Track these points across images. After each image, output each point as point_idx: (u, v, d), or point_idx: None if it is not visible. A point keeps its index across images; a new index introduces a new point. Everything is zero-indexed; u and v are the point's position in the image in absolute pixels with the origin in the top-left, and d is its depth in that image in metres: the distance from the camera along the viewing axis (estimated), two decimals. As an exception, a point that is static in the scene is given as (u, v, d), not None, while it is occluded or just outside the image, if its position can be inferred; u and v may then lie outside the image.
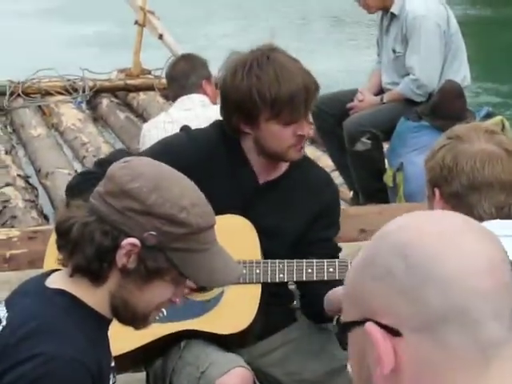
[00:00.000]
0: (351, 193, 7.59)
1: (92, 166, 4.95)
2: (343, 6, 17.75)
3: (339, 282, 3.87)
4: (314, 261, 4.05)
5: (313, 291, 4.15)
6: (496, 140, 3.24)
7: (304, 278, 4.07)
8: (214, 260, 2.93)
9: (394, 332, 1.74)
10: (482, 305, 1.61)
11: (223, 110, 4.22)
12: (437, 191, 3.24)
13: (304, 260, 4.06)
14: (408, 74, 7.45)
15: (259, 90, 3.97)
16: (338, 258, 4.22)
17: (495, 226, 2.96)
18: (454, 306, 1.61)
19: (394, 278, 1.61)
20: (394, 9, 7.38)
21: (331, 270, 4.02)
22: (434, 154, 3.29)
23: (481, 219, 3.07)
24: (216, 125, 4.36)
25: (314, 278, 4.05)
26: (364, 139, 7.32)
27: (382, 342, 1.72)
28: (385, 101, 7.54)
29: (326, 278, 4.01)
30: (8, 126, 10.53)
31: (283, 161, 4.19)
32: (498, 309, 1.64)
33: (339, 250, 4.32)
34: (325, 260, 4.06)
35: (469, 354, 1.64)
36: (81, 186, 3.98)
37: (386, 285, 1.63)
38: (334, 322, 4.08)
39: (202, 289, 3.86)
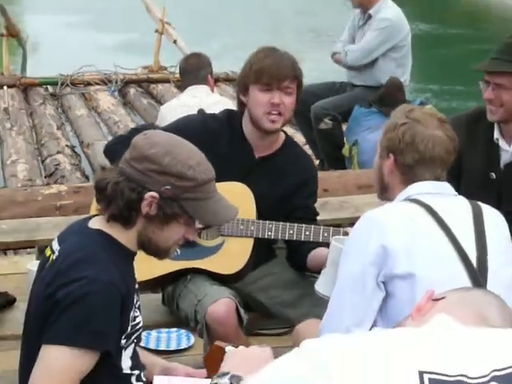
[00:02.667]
0: (318, 161, 7.46)
1: (125, 133, 4.84)
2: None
3: (315, 244, 3.97)
4: (295, 225, 4.01)
5: (296, 249, 4.14)
6: (444, 128, 3.21)
7: (286, 238, 4.05)
8: (216, 205, 2.96)
9: None
10: None
11: (237, 91, 4.32)
12: (392, 156, 3.20)
13: (288, 223, 4.03)
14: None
15: (251, 64, 4.05)
16: (316, 220, 4.21)
17: (425, 186, 3.13)
18: None
19: None
20: (373, 11, 7.32)
21: (307, 233, 4.00)
22: (395, 127, 3.22)
23: (417, 181, 3.15)
24: (224, 112, 4.36)
25: (294, 238, 4.02)
26: (327, 120, 7.40)
27: None
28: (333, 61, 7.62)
29: (302, 239, 4.00)
30: (59, 108, 10.51)
31: (261, 129, 4.10)
32: None
33: (317, 214, 4.30)
34: (303, 225, 4.02)
35: None
36: (115, 149, 3.99)
37: None
38: None
39: (207, 227, 3.83)
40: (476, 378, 1.70)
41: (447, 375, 1.70)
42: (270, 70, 4.04)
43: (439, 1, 30.88)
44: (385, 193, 3.29)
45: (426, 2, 28.36)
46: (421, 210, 3.03)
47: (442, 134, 3.18)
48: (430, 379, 1.69)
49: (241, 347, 2.45)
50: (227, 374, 2.18)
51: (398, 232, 2.98)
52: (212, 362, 2.79)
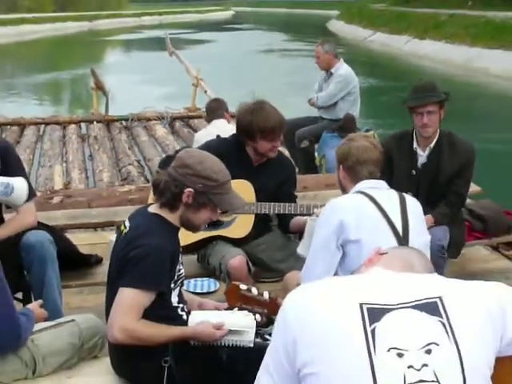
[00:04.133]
0: (297, 169, 6.93)
1: (172, 154, 5.03)
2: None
3: (294, 215, 4.02)
4: (281, 204, 4.03)
5: (283, 219, 4.15)
6: (368, 140, 3.31)
7: (276, 212, 4.09)
8: (231, 197, 2.98)
9: None
10: None
11: (237, 131, 4.18)
12: (340, 166, 3.26)
13: (276, 203, 4.05)
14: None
15: (259, 126, 3.98)
16: (295, 202, 4.19)
17: (367, 183, 3.18)
18: None
19: None
20: (333, 70, 7.37)
21: (289, 208, 4.02)
22: (340, 147, 3.31)
23: (361, 179, 3.19)
24: (233, 135, 4.28)
25: (281, 212, 4.04)
26: (305, 141, 7.46)
27: None
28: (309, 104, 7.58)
29: (286, 212, 4.03)
30: (129, 136, 10.51)
31: (265, 156, 4.11)
32: None
33: (296, 197, 4.29)
34: (287, 204, 4.04)
35: None
36: (165, 162, 4.10)
37: None
38: None
39: (225, 212, 3.68)
40: (398, 305, 1.69)
41: (379, 304, 1.69)
42: (273, 130, 4.02)
43: (380, 62, 31.06)
44: (343, 191, 3.34)
45: (370, 63, 28.49)
46: (365, 199, 3.09)
47: (368, 144, 3.25)
48: (367, 308, 1.67)
49: None
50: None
51: (350, 212, 3.04)
52: (231, 295, 2.84)
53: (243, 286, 2.94)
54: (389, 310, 1.68)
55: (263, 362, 1.79)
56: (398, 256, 2.00)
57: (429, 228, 3.60)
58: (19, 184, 3.25)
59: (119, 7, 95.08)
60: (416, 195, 3.46)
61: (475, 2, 39.45)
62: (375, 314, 1.67)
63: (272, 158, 4.20)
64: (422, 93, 4.19)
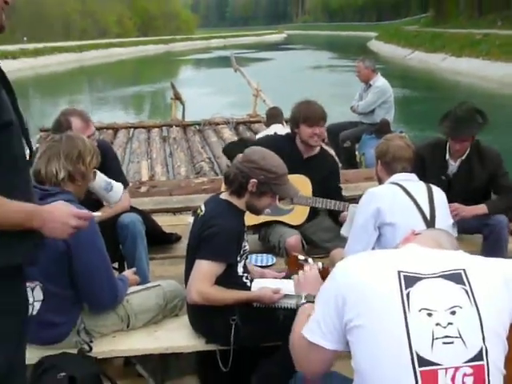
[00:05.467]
0: (340, 165, 6.96)
1: (233, 141, 5.20)
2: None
3: (341, 212, 3.96)
4: (333, 201, 3.97)
5: (333, 212, 4.06)
6: (403, 140, 3.25)
7: (328, 208, 4.01)
8: (288, 187, 2.96)
9: None
10: None
11: (289, 123, 4.24)
12: (379, 161, 3.24)
13: (328, 200, 3.99)
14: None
15: (301, 113, 4.03)
16: (341, 195, 4.16)
17: (400, 176, 3.15)
18: None
19: None
20: (371, 82, 7.30)
21: (339, 206, 3.95)
22: (379, 145, 3.28)
23: (395, 173, 3.16)
24: (286, 133, 4.30)
25: (332, 208, 3.98)
26: (348, 142, 7.41)
27: None
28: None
29: (336, 209, 3.97)
30: (201, 137, 10.48)
31: (310, 146, 4.08)
32: None
33: (341, 189, 4.25)
34: (337, 202, 3.97)
35: None
36: (230, 148, 4.25)
37: None
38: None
39: (282, 199, 3.70)
40: (429, 274, 1.70)
41: (414, 272, 1.70)
42: (314, 116, 4.04)
43: (417, 77, 30.35)
44: (379, 182, 3.31)
45: (404, 76, 27.96)
46: (398, 188, 3.07)
47: (403, 143, 3.21)
48: (404, 275, 1.69)
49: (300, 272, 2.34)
50: (302, 295, 2.17)
51: (385, 199, 3.03)
52: (291, 264, 2.85)
53: (301, 257, 2.96)
54: (421, 278, 1.69)
55: (313, 315, 1.82)
56: (429, 236, 2.00)
57: (485, 215, 3.69)
58: (118, 187, 3.31)
59: (190, 32, 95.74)
60: (449, 201, 3.36)
61: (504, 22, 38.10)
62: (410, 280, 1.68)
63: (318, 153, 4.18)
64: (461, 123, 3.89)
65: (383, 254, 1.87)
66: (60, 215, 1.94)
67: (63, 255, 2.55)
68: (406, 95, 21.26)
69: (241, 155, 2.95)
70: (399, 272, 1.70)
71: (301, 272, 2.31)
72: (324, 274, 2.84)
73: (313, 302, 2.01)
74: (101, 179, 3.17)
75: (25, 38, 50.60)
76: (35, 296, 2.57)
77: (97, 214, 2.35)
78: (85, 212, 2.07)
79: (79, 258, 2.57)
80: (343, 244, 3.33)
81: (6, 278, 1.85)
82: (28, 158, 1.92)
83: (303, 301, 2.12)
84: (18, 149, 1.83)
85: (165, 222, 4.67)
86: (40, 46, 44.73)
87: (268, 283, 2.97)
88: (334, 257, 3.49)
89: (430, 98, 20.76)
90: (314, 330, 1.79)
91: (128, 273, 3.13)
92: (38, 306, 2.58)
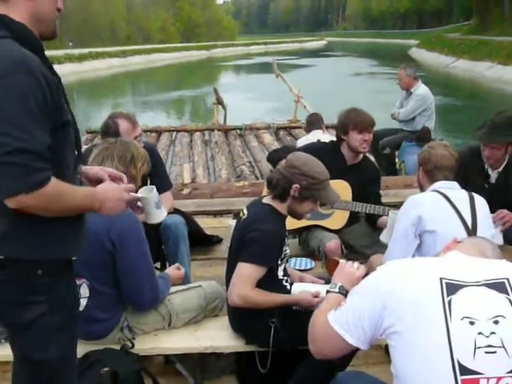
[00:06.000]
0: (381, 170, 7.02)
1: (277, 148, 5.11)
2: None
3: (381, 216, 3.95)
4: (372, 205, 3.97)
5: (372, 217, 4.05)
6: (447, 149, 3.19)
7: (367, 211, 4.01)
8: (330, 193, 2.94)
9: None
10: None
11: (336, 129, 4.24)
12: (421, 168, 3.20)
13: (368, 204, 4.00)
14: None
15: (351, 120, 4.01)
16: (381, 201, 4.14)
17: (442, 184, 3.10)
18: None
19: None
20: (412, 90, 7.19)
21: (379, 210, 3.95)
22: (422, 152, 3.23)
23: (437, 181, 3.11)
24: (331, 141, 4.30)
25: (371, 212, 3.97)
26: (388, 149, 7.35)
27: None
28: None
29: (375, 213, 3.96)
30: (242, 142, 10.51)
31: (358, 152, 4.10)
32: None
33: (381, 196, 4.22)
34: (376, 206, 3.98)
35: None
36: (273, 156, 4.21)
37: None
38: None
39: (324, 205, 3.66)
40: (472, 282, 1.68)
41: (456, 280, 1.68)
42: (363, 123, 4.04)
43: (461, 86, 29.85)
44: (421, 189, 3.26)
45: (446, 84, 27.57)
46: (439, 196, 3.01)
47: (446, 153, 3.16)
48: (446, 282, 1.67)
49: (347, 264, 2.32)
50: (337, 284, 2.16)
51: (427, 207, 2.98)
52: (332, 268, 2.82)
53: (342, 261, 2.96)
54: (463, 286, 1.67)
55: (344, 306, 1.81)
56: (472, 244, 1.97)
57: None
58: (164, 213, 3.32)
59: (231, 38, 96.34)
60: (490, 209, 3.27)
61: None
62: (452, 287, 1.66)
63: (361, 160, 4.17)
64: (495, 130, 3.82)
65: (424, 261, 1.85)
66: (113, 193, 2.00)
67: (109, 254, 2.61)
68: (448, 103, 20.97)
69: (284, 161, 2.96)
70: (441, 279, 1.67)
71: (349, 262, 2.30)
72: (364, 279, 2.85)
73: (344, 295, 2.01)
74: (155, 195, 3.22)
75: (70, 44, 51.59)
76: (82, 293, 2.62)
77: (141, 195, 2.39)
78: (130, 185, 2.13)
79: (123, 257, 2.62)
80: (382, 250, 3.30)
81: (58, 272, 1.92)
82: (78, 157, 1.99)
83: (336, 290, 2.11)
84: (70, 148, 1.90)
85: (206, 224, 4.70)
86: (85, 51, 45.43)
87: (308, 287, 2.97)
88: (372, 262, 3.46)
89: (473, 106, 20.35)
90: (340, 322, 1.79)
91: (170, 270, 3.16)
92: (84, 302, 2.62)
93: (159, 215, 3.14)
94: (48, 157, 1.73)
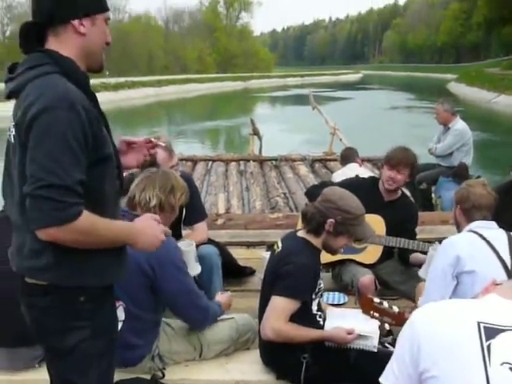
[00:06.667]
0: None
1: (316, 184, 5.21)
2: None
3: (415, 251, 3.93)
4: (407, 240, 3.95)
5: (404, 252, 4.01)
6: (485, 188, 3.15)
7: (400, 246, 3.98)
8: (365, 228, 2.95)
9: None
10: None
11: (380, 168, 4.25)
12: (458, 206, 3.14)
13: (401, 238, 3.96)
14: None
15: (387, 155, 4.05)
16: (416, 239, 4.06)
17: (479, 223, 3.04)
18: None
19: None
20: (450, 125, 7.20)
21: (413, 245, 3.92)
22: (460, 190, 3.19)
23: (474, 220, 3.06)
24: (370, 177, 4.39)
25: (405, 247, 3.95)
26: (424, 184, 7.30)
27: None
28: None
29: (410, 248, 3.93)
30: (278, 173, 10.53)
31: (386, 189, 4.09)
32: None
33: (416, 234, 4.12)
34: (409, 240, 3.95)
35: None
36: (312, 191, 4.16)
37: None
38: None
39: (359, 240, 3.55)
40: (509, 326, 1.62)
41: (495, 324, 1.63)
42: (393, 159, 4.05)
43: (492, 118, 29.48)
44: (457, 227, 3.20)
45: (483, 119, 27.26)
46: (477, 237, 2.95)
47: (485, 192, 3.11)
48: (484, 326, 1.62)
49: None
50: None
51: (464, 247, 2.92)
52: (365, 305, 2.84)
53: (376, 299, 2.94)
54: (503, 330, 1.62)
55: (389, 364, 1.77)
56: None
57: None
58: (199, 267, 3.37)
59: (267, 70, 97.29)
60: None
61: None
62: (491, 332, 1.61)
63: (399, 197, 4.18)
64: None
65: (462, 304, 1.81)
66: (151, 230, 2.03)
67: (148, 278, 2.68)
68: (489, 139, 20.64)
69: (320, 196, 2.98)
70: (479, 323, 1.63)
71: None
72: (400, 318, 2.83)
73: None
74: (193, 249, 3.33)
75: (107, 73, 52.71)
76: (118, 316, 2.66)
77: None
78: (166, 228, 2.15)
79: (165, 283, 2.69)
80: (415, 288, 3.29)
81: (100, 298, 1.97)
82: (119, 188, 2.05)
83: None
84: (111, 180, 1.96)
85: (239, 255, 4.71)
86: (121, 80, 45.84)
87: (342, 323, 2.95)
88: (419, 290, 3.40)
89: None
90: (388, 377, 1.75)
91: (220, 297, 3.22)
92: (119, 325, 2.64)
93: (196, 268, 3.26)
94: (80, 191, 1.78)
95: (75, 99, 1.79)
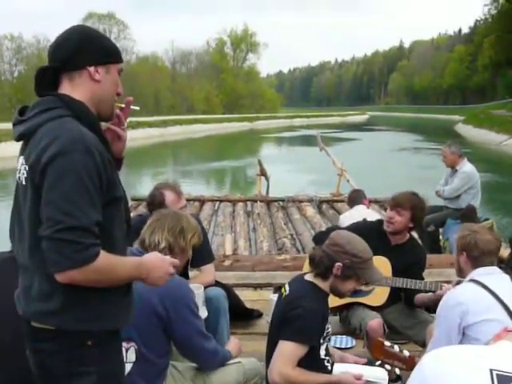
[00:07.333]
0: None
1: (324, 230, 5.21)
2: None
3: (422, 291, 3.90)
4: (413, 280, 3.93)
5: (409, 294, 4.01)
6: (491, 233, 3.14)
7: (407, 286, 3.96)
8: (372, 272, 2.95)
9: None
10: None
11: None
12: (464, 253, 3.07)
13: (407, 279, 3.95)
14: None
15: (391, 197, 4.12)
16: (423, 279, 4.02)
17: (481, 270, 3.00)
18: None
19: None
20: (458, 167, 7.21)
21: (420, 285, 3.91)
22: (465, 236, 3.11)
23: (482, 266, 3.02)
24: (378, 220, 4.37)
25: (413, 287, 3.93)
26: (432, 226, 7.28)
27: None
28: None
29: (417, 288, 3.92)
30: (285, 214, 10.56)
31: (385, 230, 4.09)
32: None
33: (423, 278, 4.01)
34: (416, 280, 3.93)
35: None
36: (319, 237, 4.12)
37: None
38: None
39: (367, 284, 3.52)
40: None
41: (507, 372, 1.60)
42: (392, 200, 4.09)
43: (503, 160, 29.45)
44: (460, 273, 3.16)
45: (493, 162, 27.28)
46: (477, 287, 2.90)
47: (492, 238, 3.08)
48: (497, 374, 1.59)
49: None
50: None
51: (467, 303, 2.85)
52: (376, 349, 2.81)
53: (387, 343, 2.92)
54: None
55: None
56: None
57: None
58: (206, 311, 3.38)
59: (274, 111, 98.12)
60: None
61: None
62: (504, 380, 1.59)
63: (407, 241, 4.18)
64: None
65: (474, 351, 1.76)
66: (161, 265, 2.07)
67: (161, 321, 2.66)
68: (498, 181, 20.67)
69: (328, 240, 2.99)
70: (491, 370, 1.60)
71: None
72: (411, 363, 2.80)
73: None
74: (202, 292, 3.36)
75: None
76: (128, 357, 2.64)
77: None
78: (176, 260, 2.19)
79: (178, 326, 2.67)
80: (425, 331, 3.28)
81: (108, 343, 1.97)
82: (126, 230, 2.08)
83: None
84: (120, 221, 1.99)
85: (246, 297, 4.72)
86: None
87: (350, 367, 2.94)
88: (430, 333, 3.34)
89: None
90: None
91: (229, 345, 3.19)
92: (128, 367, 2.61)
93: (204, 312, 3.30)
94: (97, 232, 1.81)
95: (90, 142, 1.83)
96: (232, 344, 3.18)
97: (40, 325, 1.90)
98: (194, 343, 2.76)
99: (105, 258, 1.83)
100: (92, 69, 1.95)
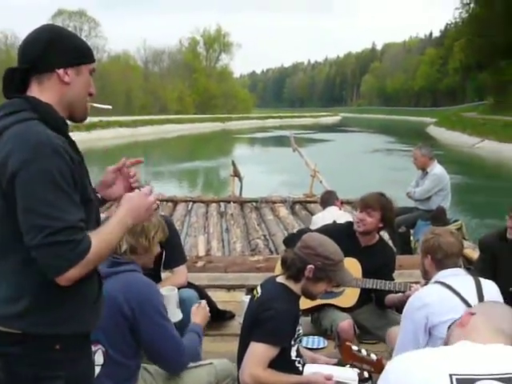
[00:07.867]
0: (395, 249, 6.82)
1: (294, 232, 5.16)
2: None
3: (392, 291, 3.95)
4: (383, 281, 3.98)
5: (380, 295, 4.07)
6: (454, 236, 3.16)
7: (377, 287, 4.02)
8: (344, 273, 2.97)
9: None
10: None
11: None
12: (429, 256, 3.11)
13: (377, 280, 4.00)
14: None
15: (360, 198, 4.21)
16: (393, 280, 4.08)
17: (446, 272, 3.03)
18: None
19: None
20: (428, 170, 7.27)
21: (389, 285, 3.95)
22: (428, 240, 3.15)
23: (446, 268, 3.04)
24: (347, 222, 4.40)
25: (382, 288, 3.98)
26: (403, 227, 7.32)
27: None
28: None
29: (386, 289, 3.97)
30: (258, 215, 10.59)
31: (356, 230, 4.13)
32: None
33: (393, 279, 4.09)
34: (386, 281, 3.98)
35: None
36: (290, 239, 4.24)
37: None
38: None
39: (338, 285, 3.67)
40: (485, 375, 1.59)
41: (467, 374, 1.62)
42: (360, 201, 4.19)
43: (475, 162, 29.66)
44: (425, 275, 3.20)
45: (461, 163, 27.63)
46: (442, 288, 2.93)
47: (454, 240, 3.13)
48: (456, 378, 1.60)
49: None
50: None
51: (432, 304, 2.88)
52: (345, 353, 2.84)
53: (355, 347, 2.97)
54: (476, 380, 1.60)
55: None
56: (486, 321, 1.85)
57: None
58: (180, 314, 3.38)
59: (247, 111, 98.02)
60: None
61: None
62: (464, 383, 1.61)
63: (376, 243, 4.23)
64: None
65: (432, 356, 1.75)
66: (139, 203, 2.03)
67: (127, 321, 2.62)
68: (470, 183, 20.90)
69: (299, 242, 3.01)
70: (451, 376, 1.61)
71: None
72: (378, 365, 2.84)
73: None
74: (176, 294, 3.36)
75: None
76: (96, 360, 2.56)
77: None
78: (148, 187, 2.17)
79: (144, 327, 2.63)
80: (396, 330, 3.23)
81: (76, 347, 1.95)
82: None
83: None
84: (92, 223, 1.97)
85: (218, 298, 4.71)
86: (95, 119, 44.54)
87: (320, 368, 2.97)
88: (391, 338, 3.40)
89: (496, 187, 20.23)
90: None
91: (194, 313, 3.22)
92: (97, 370, 2.54)
93: (178, 315, 3.27)
94: (83, 226, 1.81)
95: (58, 144, 1.80)
96: (196, 311, 3.19)
97: (6, 328, 1.86)
98: (159, 346, 2.71)
99: (96, 242, 1.82)
100: (61, 71, 1.91)
